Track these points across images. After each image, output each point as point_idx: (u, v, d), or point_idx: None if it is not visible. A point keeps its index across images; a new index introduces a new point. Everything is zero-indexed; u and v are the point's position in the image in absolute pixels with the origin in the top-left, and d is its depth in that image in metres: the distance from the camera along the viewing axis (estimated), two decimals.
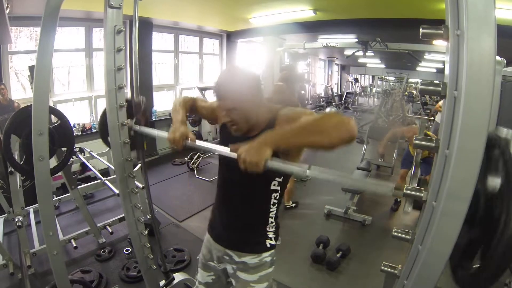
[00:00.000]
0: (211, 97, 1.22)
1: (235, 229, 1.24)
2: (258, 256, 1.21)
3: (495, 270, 0.66)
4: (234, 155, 0.92)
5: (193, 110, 1.38)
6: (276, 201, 1.19)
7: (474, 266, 0.73)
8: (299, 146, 0.99)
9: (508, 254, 0.63)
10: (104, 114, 1.56)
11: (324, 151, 0.87)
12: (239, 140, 1.08)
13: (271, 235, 1.23)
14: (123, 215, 2.38)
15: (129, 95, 4.82)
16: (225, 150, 0.99)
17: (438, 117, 6.13)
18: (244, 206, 1.20)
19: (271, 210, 1.20)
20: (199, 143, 1.14)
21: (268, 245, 1.22)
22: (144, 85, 5.21)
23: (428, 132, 3.49)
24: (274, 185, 1.15)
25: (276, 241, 1.25)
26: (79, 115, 4.66)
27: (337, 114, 0.85)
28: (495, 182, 0.68)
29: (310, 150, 0.95)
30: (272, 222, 1.22)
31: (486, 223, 0.69)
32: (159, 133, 1.38)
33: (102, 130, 1.68)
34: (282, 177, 1.15)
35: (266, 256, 1.23)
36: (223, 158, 1.21)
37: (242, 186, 1.16)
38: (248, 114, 1.08)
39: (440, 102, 6.42)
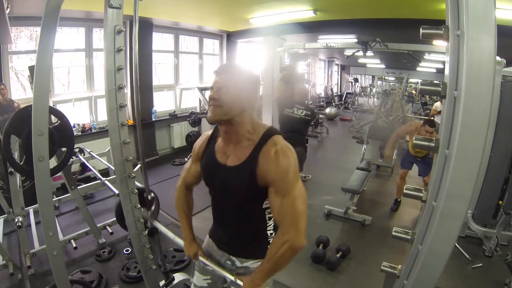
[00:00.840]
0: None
1: (236, 240, 1.25)
2: (259, 261, 1.19)
3: None
4: None
5: (191, 195, 1.39)
6: (271, 216, 1.18)
7: None
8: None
9: None
10: (119, 203, 1.69)
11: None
12: (221, 170, 1.13)
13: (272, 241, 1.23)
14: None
15: (129, 95, 4.82)
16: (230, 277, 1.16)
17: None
18: (240, 226, 1.21)
19: (268, 224, 1.20)
20: (206, 262, 1.26)
21: None
22: (144, 85, 5.21)
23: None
24: (266, 204, 1.14)
25: None
26: (79, 115, 4.66)
27: (290, 246, 1.01)
28: None
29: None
30: (271, 234, 1.22)
31: None
32: (175, 239, 1.51)
33: (118, 216, 1.89)
34: None
35: None
36: (210, 184, 1.21)
37: (235, 209, 1.18)
38: (234, 102, 1.06)
39: (435, 105, 6.41)
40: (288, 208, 1.01)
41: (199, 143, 1.27)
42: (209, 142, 1.22)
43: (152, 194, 1.66)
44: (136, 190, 1.58)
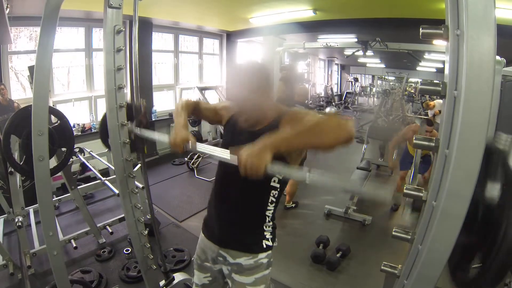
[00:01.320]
0: (211, 98, 1.23)
1: (231, 225, 1.21)
2: (253, 257, 1.19)
3: (499, 271, 0.68)
4: (234, 161, 0.91)
5: (195, 113, 1.38)
6: (274, 200, 1.17)
7: (473, 267, 0.75)
8: (299, 148, 1.02)
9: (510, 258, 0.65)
10: (104, 117, 1.56)
11: (324, 152, 0.89)
12: (243, 135, 1.10)
13: (268, 235, 1.21)
14: (123, 215, 2.38)
15: (129, 96, 4.83)
16: (225, 156, 0.99)
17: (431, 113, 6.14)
18: (242, 201, 1.17)
19: (268, 208, 1.18)
20: (199, 146, 1.12)
21: (265, 246, 1.20)
22: (144, 85, 5.21)
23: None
24: (274, 181, 1.13)
25: (273, 243, 1.23)
26: (79, 115, 4.66)
27: (336, 116, 0.93)
28: (495, 190, 0.70)
29: (310, 150, 0.97)
30: (269, 222, 1.20)
31: (485, 229, 0.71)
32: (159, 137, 1.38)
33: (102, 133, 1.69)
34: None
35: (262, 257, 1.20)
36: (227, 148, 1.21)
37: (241, 180, 1.11)
38: (258, 105, 1.09)
39: (432, 102, 6.39)
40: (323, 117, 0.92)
41: (228, 112, 1.28)
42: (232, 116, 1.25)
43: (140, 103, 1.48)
44: (136, 190, 1.58)
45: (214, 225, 1.25)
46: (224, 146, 1.17)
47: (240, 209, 1.19)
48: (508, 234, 0.67)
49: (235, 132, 1.19)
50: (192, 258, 1.45)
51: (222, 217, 1.23)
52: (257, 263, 1.19)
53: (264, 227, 1.20)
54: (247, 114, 1.12)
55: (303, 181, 0.81)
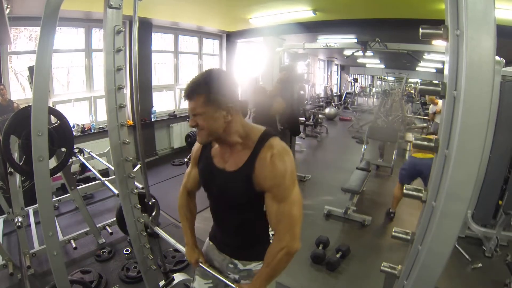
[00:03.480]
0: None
1: (237, 247, 1.24)
2: (262, 263, 1.18)
3: None
4: None
5: (193, 204, 1.38)
6: None
7: None
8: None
9: None
10: (120, 207, 1.75)
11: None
12: (221, 173, 1.11)
13: None
14: None
15: (128, 95, 4.82)
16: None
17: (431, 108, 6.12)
18: (241, 229, 1.19)
19: (269, 225, 1.18)
20: (207, 268, 1.26)
21: None
22: (144, 85, 5.21)
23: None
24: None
25: None
26: (79, 116, 4.66)
27: (287, 252, 1.04)
28: None
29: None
30: (273, 235, 1.21)
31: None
32: (176, 245, 1.50)
33: (120, 220, 2.00)
34: None
35: None
36: (208, 189, 1.20)
37: (234, 214, 1.16)
38: (215, 121, 1.02)
39: (430, 109, 6.38)
40: (285, 214, 1.02)
41: (195, 147, 1.26)
42: (204, 146, 1.21)
43: (153, 200, 1.67)
44: (135, 190, 1.58)
45: (223, 243, 1.28)
46: (205, 187, 1.22)
47: (241, 234, 1.21)
48: None
49: (211, 170, 1.15)
50: None
51: (227, 238, 1.25)
52: None
53: (270, 234, 1.21)
54: (204, 130, 1.05)
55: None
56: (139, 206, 1.61)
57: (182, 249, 1.39)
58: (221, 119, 1.02)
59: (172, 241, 1.52)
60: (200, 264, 1.27)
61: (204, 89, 1.00)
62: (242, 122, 1.09)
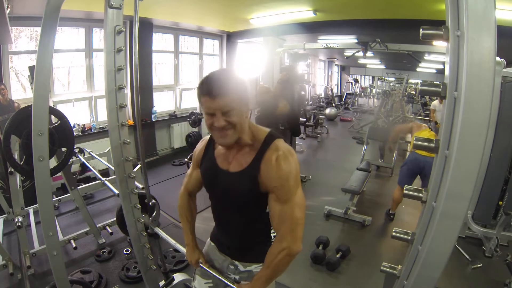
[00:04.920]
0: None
1: (239, 248, 1.24)
2: (262, 265, 1.18)
3: None
4: None
5: (193, 206, 1.37)
6: None
7: None
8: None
9: None
10: (120, 208, 1.77)
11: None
12: (224, 174, 1.11)
13: None
14: None
15: (129, 96, 4.82)
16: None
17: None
18: (244, 231, 1.19)
19: (271, 227, 1.18)
20: (209, 269, 1.26)
21: None
22: (144, 85, 5.21)
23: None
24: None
25: None
26: (79, 116, 4.66)
27: (288, 254, 1.03)
28: None
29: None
30: (275, 236, 1.22)
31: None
32: (176, 245, 1.51)
33: (120, 221, 2.02)
34: None
35: None
36: (212, 190, 1.19)
37: (237, 215, 1.16)
38: (244, 118, 1.01)
39: (433, 104, 6.40)
40: (287, 215, 1.02)
41: (198, 149, 1.26)
42: (207, 147, 1.20)
43: (153, 200, 1.67)
44: (136, 190, 1.58)
45: (224, 244, 1.28)
46: (207, 188, 1.21)
47: (244, 235, 1.21)
48: None
49: (214, 171, 1.14)
50: None
51: (229, 239, 1.25)
52: None
53: (272, 236, 1.22)
54: (236, 128, 1.02)
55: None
56: (139, 206, 1.61)
57: (182, 249, 1.39)
58: (246, 117, 1.03)
59: (172, 241, 1.53)
60: (200, 264, 1.27)
61: (234, 84, 0.98)
62: (250, 122, 1.09)
